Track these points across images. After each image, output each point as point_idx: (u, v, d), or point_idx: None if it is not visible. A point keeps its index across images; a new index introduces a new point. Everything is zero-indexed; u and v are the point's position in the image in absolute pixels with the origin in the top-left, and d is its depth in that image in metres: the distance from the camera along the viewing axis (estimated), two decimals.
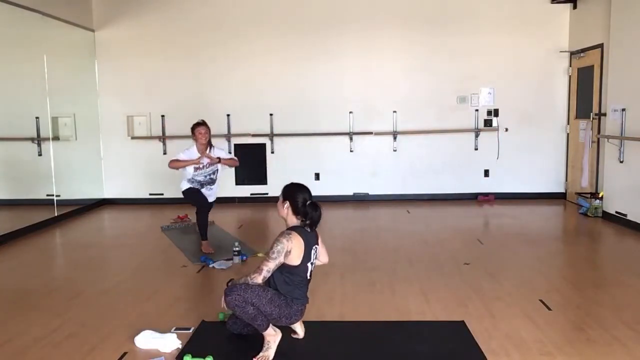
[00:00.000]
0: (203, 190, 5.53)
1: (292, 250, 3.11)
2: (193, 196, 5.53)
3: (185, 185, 5.54)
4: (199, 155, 5.44)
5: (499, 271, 4.69)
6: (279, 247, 3.09)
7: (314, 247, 3.27)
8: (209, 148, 5.51)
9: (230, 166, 5.76)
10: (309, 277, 3.29)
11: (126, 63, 8.27)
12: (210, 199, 5.63)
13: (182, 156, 5.44)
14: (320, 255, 3.46)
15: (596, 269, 5.01)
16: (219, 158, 5.48)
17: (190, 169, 5.46)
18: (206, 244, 5.44)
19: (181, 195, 5.66)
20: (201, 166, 5.45)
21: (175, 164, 5.45)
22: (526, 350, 3.13)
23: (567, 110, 8.09)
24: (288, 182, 3.39)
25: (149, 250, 5.71)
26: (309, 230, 3.25)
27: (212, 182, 5.56)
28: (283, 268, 3.16)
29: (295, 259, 3.15)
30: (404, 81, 8.18)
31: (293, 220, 3.26)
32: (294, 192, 3.27)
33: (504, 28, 8.02)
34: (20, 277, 4.89)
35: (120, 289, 4.43)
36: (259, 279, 3.08)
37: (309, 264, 3.24)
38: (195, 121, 5.56)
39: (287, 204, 3.25)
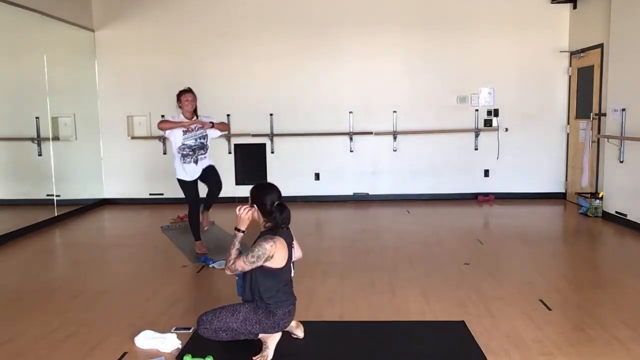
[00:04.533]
0: (198, 165, 5.28)
1: (274, 255, 3.03)
2: (187, 191, 5.36)
3: (180, 169, 5.28)
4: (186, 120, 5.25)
5: (499, 271, 4.70)
6: (259, 252, 3.00)
7: (292, 246, 3.24)
8: (194, 117, 5.33)
9: (222, 130, 5.51)
10: (292, 276, 3.27)
11: (126, 63, 8.27)
12: (209, 163, 5.42)
13: (170, 120, 5.28)
14: (296, 251, 3.38)
15: (596, 269, 5.01)
16: (211, 123, 5.28)
17: (179, 136, 5.23)
18: (200, 244, 5.41)
19: (181, 195, 5.61)
20: (190, 129, 5.24)
21: (165, 125, 5.21)
22: (526, 350, 3.13)
23: (567, 110, 8.09)
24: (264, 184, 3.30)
25: (149, 250, 5.71)
26: (285, 229, 3.19)
27: (202, 147, 5.32)
28: (268, 273, 3.08)
29: (279, 262, 3.08)
30: (404, 81, 8.18)
31: (267, 223, 3.17)
32: (262, 195, 3.15)
33: (504, 28, 8.02)
34: (20, 277, 4.88)
35: (120, 289, 4.43)
36: (227, 270, 3.14)
37: (291, 264, 3.22)
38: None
39: (255, 208, 3.16)
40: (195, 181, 5.36)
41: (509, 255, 5.28)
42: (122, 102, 8.33)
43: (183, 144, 5.26)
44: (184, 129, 5.24)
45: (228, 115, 8.18)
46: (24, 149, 6.95)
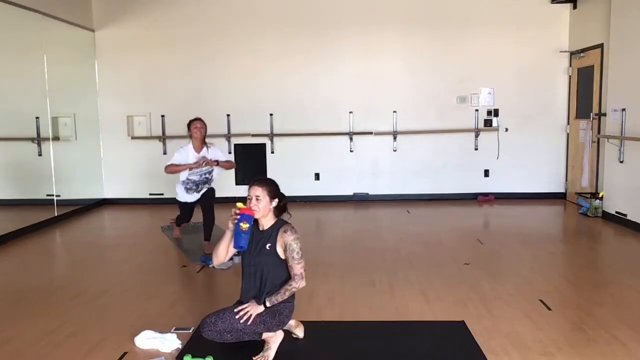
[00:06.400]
0: (199, 192, 5.52)
1: None
2: (184, 209, 5.72)
3: (181, 194, 5.53)
4: (194, 152, 5.44)
5: (499, 271, 4.70)
6: (300, 245, 3.09)
7: None
8: (204, 146, 5.50)
9: (227, 168, 5.72)
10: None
11: (126, 63, 8.28)
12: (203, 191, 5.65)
13: (177, 157, 5.43)
14: None
15: (596, 269, 5.01)
16: (216, 161, 5.44)
17: (184, 172, 5.45)
18: (207, 245, 5.43)
19: None
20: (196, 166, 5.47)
21: (172, 169, 5.41)
22: (526, 350, 3.13)
23: (567, 110, 8.09)
24: (271, 179, 3.23)
25: (149, 250, 5.71)
26: None
27: (206, 181, 5.53)
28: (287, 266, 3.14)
29: None
30: (404, 81, 8.18)
31: (271, 217, 3.16)
32: (278, 188, 3.19)
33: (504, 28, 8.02)
34: (20, 277, 4.89)
35: (120, 289, 4.43)
36: (303, 283, 3.09)
37: None
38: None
39: (276, 201, 3.15)
40: (194, 203, 5.61)
41: (509, 255, 5.28)
42: (122, 102, 8.33)
43: (188, 179, 5.47)
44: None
45: (228, 115, 8.19)
46: (24, 149, 6.95)
